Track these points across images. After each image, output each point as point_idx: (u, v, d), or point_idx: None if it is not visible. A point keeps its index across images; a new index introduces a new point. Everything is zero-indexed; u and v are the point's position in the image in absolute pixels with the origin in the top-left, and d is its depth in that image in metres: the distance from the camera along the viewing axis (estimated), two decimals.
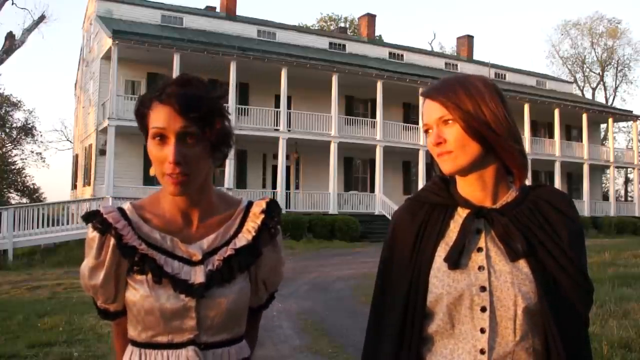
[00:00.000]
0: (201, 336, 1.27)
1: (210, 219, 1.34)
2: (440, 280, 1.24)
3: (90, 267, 1.30)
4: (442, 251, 1.27)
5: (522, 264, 1.22)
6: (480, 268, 1.23)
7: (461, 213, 1.30)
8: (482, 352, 1.20)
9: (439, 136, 1.25)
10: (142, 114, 1.27)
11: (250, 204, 1.39)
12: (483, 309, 1.21)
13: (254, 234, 1.34)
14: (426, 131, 1.30)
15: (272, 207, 1.38)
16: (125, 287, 1.30)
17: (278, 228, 1.39)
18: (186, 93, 1.22)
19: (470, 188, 1.29)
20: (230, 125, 1.33)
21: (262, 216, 1.36)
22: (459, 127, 1.23)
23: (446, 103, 1.24)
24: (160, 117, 1.22)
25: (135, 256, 1.27)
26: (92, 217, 1.30)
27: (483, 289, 1.22)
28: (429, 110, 1.28)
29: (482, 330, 1.20)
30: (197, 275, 1.27)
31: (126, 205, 1.34)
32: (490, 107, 1.24)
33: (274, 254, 1.39)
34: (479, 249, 1.25)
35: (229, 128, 1.31)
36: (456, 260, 1.23)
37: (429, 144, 1.29)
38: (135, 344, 1.30)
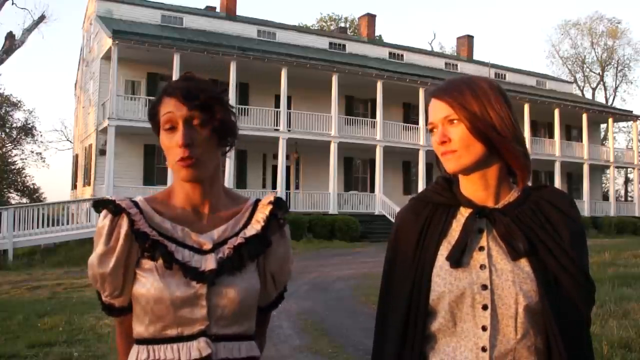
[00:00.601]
0: (212, 327, 1.26)
1: (220, 212, 1.38)
2: (443, 278, 1.25)
3: (100, 255, 1.30)
4: (444, 250, 1.28)
5: (524, 263, 1.23)
6: (482, 267, 1.25)
7: (464, 212, 1.31)
8: (483, 349, 1.21)
9: (444, 135, 1.27)
10: (153, 113, 1.35)
11: (257, 200, 1.44)
12: (484, 307, 1.22)
13: (262, 223, 1.37)
14: (431, 130, 1.31)
15: (279, 200, 1.42)
16: (133, 281, 1.30)
17: (285, 220, 1.42)
18: (189, 85, 1.33)
19: (473, 187, 1.31)
20: (235, 116, 1.40)
21: (270, 207, 1.40)
22: (464, 127, 1.25)
23: (452, 103, 1.26)
24: (168, 106, 1.32)
25: (146, 242, 1.28)
26: (106, 203, 1.32)
27: (484, 287, 1.23)
28: (435, 109, 1.29)
29: (484, 328, 1.21)
30: (208, 263, 1.29)
31: (138, 197, 1.37)
32: (496, 108, 1.26)
33: (282, 246, 1.42)
34: (481, 248, 1.27)
35: (231, 118, 1.38)
36: (458, 258, 1.25)
37: (433, 142, 1.30)
38: (142, 341, 1.29)
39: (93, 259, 1.31)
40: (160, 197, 1.39)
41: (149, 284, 1.27)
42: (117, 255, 1.29)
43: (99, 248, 1.30)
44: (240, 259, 1.32)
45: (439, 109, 1.28)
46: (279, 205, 1.41)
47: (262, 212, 1.39)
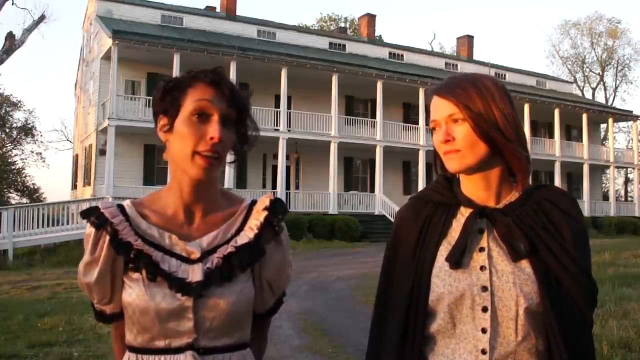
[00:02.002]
0: (200, 340, 1.21)
1: (212, 216, 1.30)
2: (442, 279, 1.24)
3: (85, 264, 1.27)
4: (444, 250, 1.26)
5: (525, 264, 1.22)
6: (482, 268, 1.23)
7: (464, 212, 1.29)
8: (483, 352, 1.19)
9: (448, 134, 1.24)
10: (175, 95, 1.25)
11: (253, 202, 1.35)
12: (484, 309, 1.20)
13: (256, 231, 1.29)
14: (433, 128, 1.29)
15: (276, 204, 1.33)
16: (122, 287, 1.26)
17: (282, 225, 1.33)
18: (230, 82, 1.27)
19: (474, 187, 1.29)
20: (256, 127, 1.34)
21: (265, 213, 1.31)
22: (468, 126, 1.23)
23: (457, 101, 1.24)
24: (204, 93, 1.23)
25: (130, 252, 1.23)
26: (90, 213, 1.27)
27: (484, 288, 1.21)
28: (439, 107, 1.27)
29: (484, 330, 1.20)
30: (195, 274, 1.22)
31: (126, 202, 1.31)
32: (500, 107, 1.24)
33: (278, 253, 1.33)
34: (481, 249, 1.25)
35: (254, 127, 1.33)
36: (458, 259, 1.23)
37: (436, 141, 1.28)
38: (132, 349, 1.25)
39: (80, 267, 1.28)
40: (148, 201, 1.33)
41: (134, 294, 1.22)
42: (101, 265, 1.25)
43: (85, 257, 1.27)
44: (230, 269, 1.24)
45: (442, 107, 1.26)
46: (275, 210, 1.32)
47: (256, 219, 1.30)
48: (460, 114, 1.23)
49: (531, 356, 1.19)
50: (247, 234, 1.29)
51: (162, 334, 1.21)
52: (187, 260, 1.24)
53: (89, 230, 1.27)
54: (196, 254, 1.25)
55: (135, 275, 1.24)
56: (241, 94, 1.28)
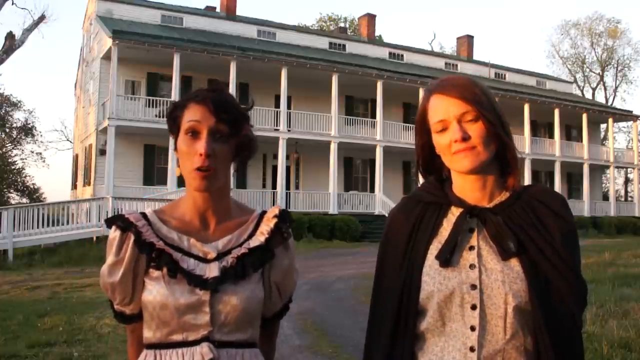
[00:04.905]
0: (215, 333, 1.31)
1: (226, 223, 1.41)
2: (432, 277, 1.25)
3: (110, 265, 1.36)
4: (434, 249, 1.28)
5: (514, 262, 1.23)
6: (472, 266, 1.24)
7: (454, 212, 1.31)
8: (472, 349, 1.20)
9: (465, 132, 1.24)
10: (175, 116, 1.38)
11: (263, 212, 1.47)
12: (473, 307, 1.21)
13: (267, 236, 1.41)
14: (442, 129, 1.27)
15: (284, 213, 1.46)
16: (142, 288, 1.36)
17: (290, 232, 1.45)
18: (220, 97, 1.36)
19: (471, 187, 1.30)
20: (254, 135, 1.43)
21: (275, 220, 1.44)
22: (482, 124, 1.24)
23: (471, 101, 1.25)
24: (196, 113, 1.34)
25: (152, 252, 1.34)
26: (116, 219, 1.39)
27: (474, 287, 1.22)
28: (447, 106, 1.26)
29: (472, 328, 1.21)
30: (212, 271, 1.33)
31: (147, 210, 1.44)
32: (497, 108, 1.27)
33: (286, 257, 1.44)
34: (471, 248, 1.26)
35: (253, 136, 1.43)
36: (447, 258, 1.24)
37: (445, 140, 1.26)
38: (150, 346, 1.34)
39: (104, 269, 1.38)
40: (168, 208, 1.45)
41: (155, 291, 1.32)
42: (125, 265, 1.35)
43: (109, 259, 1.37)
44: (243, 268, 1.35)
45: (453, 106, 1.25)
46: (284, 218, 1.44)
47: (267, 225, 1.43)
48: (474, 113, 1.24)
49: (519, 354, 1.20)
50: (259, 238, 1.41)
51: (180, 327, 1.31)
52: (204, 260, 1.36)
53: (114, 234, 1.38)
54: (212, 255, 1.36)
55: (156, 273, 1.34)
56: (233, 106, 1.37)
